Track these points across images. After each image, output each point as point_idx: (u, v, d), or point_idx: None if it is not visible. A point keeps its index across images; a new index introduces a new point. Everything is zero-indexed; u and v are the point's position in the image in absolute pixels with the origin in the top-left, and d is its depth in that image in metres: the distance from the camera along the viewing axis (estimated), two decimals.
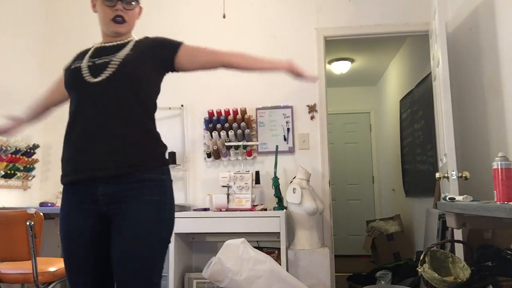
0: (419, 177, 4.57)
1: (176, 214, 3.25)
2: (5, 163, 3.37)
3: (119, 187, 1.45)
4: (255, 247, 2.90)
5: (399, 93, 5.43)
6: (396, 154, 5.57)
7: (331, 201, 3.68)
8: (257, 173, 3.51)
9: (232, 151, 3.59)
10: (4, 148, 3.38)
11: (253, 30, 3.80)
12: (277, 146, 3.51)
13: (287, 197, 3.17)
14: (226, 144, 3.54)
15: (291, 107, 3.66)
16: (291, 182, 3.27)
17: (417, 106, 4.56)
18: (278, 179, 3.36)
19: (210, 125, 3.60)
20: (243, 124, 3.56)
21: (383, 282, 3.77)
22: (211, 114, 3.61)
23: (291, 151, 3.62)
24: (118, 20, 1.67)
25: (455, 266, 2.11)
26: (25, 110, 1.85)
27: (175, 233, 3.18)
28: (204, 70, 1.74)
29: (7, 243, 2.36)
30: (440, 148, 3.06)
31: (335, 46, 4.75)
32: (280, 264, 2.97)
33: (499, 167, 1.62)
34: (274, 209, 3.28)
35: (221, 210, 3.18)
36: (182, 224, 3.17)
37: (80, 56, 1.74)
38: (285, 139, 3.63)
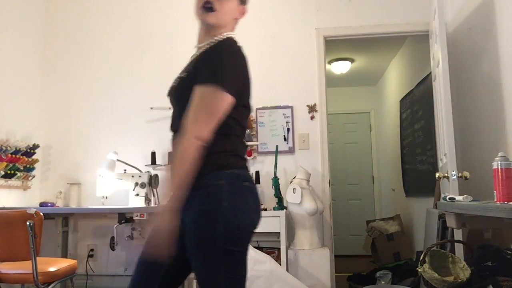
0: (419, 177, 4.57)
1: None
2: (5, 163, 3.37)
3: None
4: (255, 247, 2.91)
5: (399, 93, 5.43)
6: (396, 154, 5.57)
7: (331, 201, 3.68)
8: (257, 173, 3.51)
9: None
10: (4, 148, 3.38)
11: (253, 30, 3.80)
12: (277, 146, 3.51)
13: (287, 197, 3.17)
14: None
15: (291, 107, 3.66)
16: (291, 182, 3.27)
17: (417, 106, 4.56)
18: (278, 179, 3.36)
19: None
20: None
21: (383, 282, 3.77)
22: None
23: (291, 151, 3.62)
24: (207, 6, 1.52)
25: (455, 266, 2.11)
26: None
27: None
28: None
29: (7, 243, 2.36)
30: (440, 148, 3.06)
31: (335, 46, 4.75)
32: (280, 264, 2.97)
33: (499, 167, 1.62)
34: (274, 209, 3.28)
35: None
36: None
37: None
38: (285, 139, 3.63)
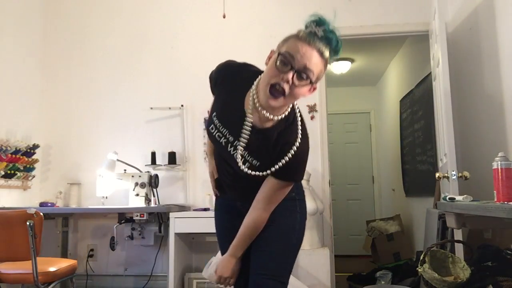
0: (419, 177, 4.57)
1: (176, 214, 3.27)
2: (5, 163, 3.37)
3: None
4: None
5: (399, 93, 5.43)
6: (396, 154, 5.57)
7: (331, 201, 3.68)
8: None
9: None
10: (4, 148, 3.38)
11: (253, 30, 3.80)
12: None
13: None
14: None
15: None
16: None
17: (417, 106, 4.56)
18: None
19: None
20: None
21: (383, 282, 3.76)
22: None
23: None
24: (277, 90, 1.32)
25: (455, 266, 2.11)
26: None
27: (175, 233, 3.18)
28: None
29: (7, 243, 2.36)
30: (440, 148, 3.06)
31: None
32: None
33: (499, 167, 1.62)
34: None
35: None
36: (182, 224, 3.17)
37: None
38: None
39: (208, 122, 1.54)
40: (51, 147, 3.92)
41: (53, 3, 4.08)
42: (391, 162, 5.94)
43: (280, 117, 1.44)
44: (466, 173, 2.58)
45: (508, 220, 1.45)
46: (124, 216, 3.44)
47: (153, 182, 3.53)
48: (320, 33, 1.40)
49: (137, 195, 3.49)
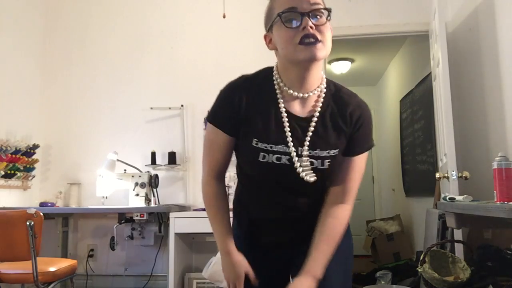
0: (419, 177, 4.57)
1: (176, 214, 3.26)
2: (5, 163, 3.37)
3: None
4: None
5: (399, 93, 5.42)
6: (396, 154, 5.57)
7: None
8: None
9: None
10: (4, 148, 3.38)
11: (253, 30, 3.79)
12: None
13: None
14: None
15: None
16: None
17: (417, 106, 4.56)
18: None
19: None
20: None
21: (383, 282, 3.76)
22: None
23: None
24: (310, 41, 1.15)
25: (455, 266, 2.11)
26: None
27: (175, 233, 3.19)
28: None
29: (7, 243, 2.36)
30: (440, 148, 3.06)
31: (335, 46, 4.68)
32: None
33: (499, 167, 1.62)
34: None
35: None
36: (182, 224, 3.17)
37: None
38: None
39: (249, 157, 1.25)
40: (51, 147, 3.92)
41: (53, 3, 4.08)
42: (391, 162, 5.94)
43: (318, 90, 1.27)
44: (466, 173, 2.58)
45: (508, 220, 1.45)
46: (124, 216, 3.44)
47: (153, 182, 3.53)
48: None
49: (137, 195, 3.49)
